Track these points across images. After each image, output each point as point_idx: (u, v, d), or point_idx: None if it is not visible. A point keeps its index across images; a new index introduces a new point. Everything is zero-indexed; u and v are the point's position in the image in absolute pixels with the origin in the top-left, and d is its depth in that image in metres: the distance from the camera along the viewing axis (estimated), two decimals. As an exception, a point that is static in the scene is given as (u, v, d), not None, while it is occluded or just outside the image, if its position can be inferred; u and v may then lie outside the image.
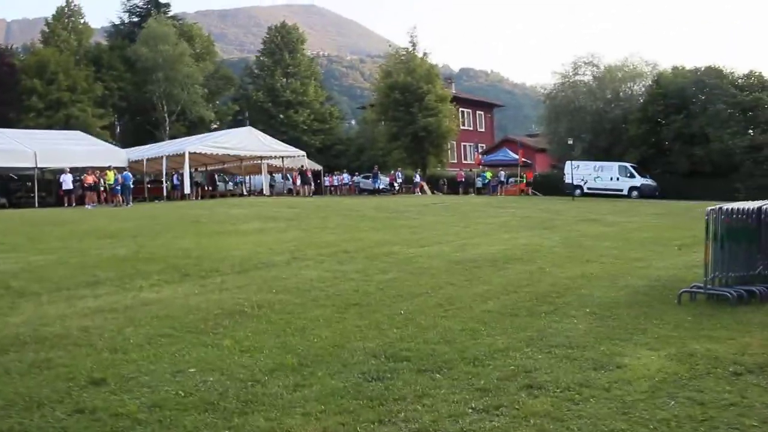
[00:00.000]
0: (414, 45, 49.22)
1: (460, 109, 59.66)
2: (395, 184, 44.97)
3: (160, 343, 6.07)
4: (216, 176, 46.08)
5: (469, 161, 64.29)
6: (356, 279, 9.75)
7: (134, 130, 55.60)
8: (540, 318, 7.14)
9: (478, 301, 8.06)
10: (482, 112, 71.34)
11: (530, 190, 42.44)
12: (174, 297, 8.37)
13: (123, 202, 29.24)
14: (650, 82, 43.21)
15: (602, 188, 39.67)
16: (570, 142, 38.99)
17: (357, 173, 50.39)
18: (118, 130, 56.95)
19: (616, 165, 40.03)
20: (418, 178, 45.00)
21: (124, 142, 48.54)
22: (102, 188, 30.20)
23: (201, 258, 11.77)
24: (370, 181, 46.52)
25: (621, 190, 39.01)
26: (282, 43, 62.99)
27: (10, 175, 35.92)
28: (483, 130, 70.52)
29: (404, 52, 49.53)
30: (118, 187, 29.19)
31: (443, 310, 7.54)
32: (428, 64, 49.10)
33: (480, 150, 62.68)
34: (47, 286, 9.03)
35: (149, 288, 9.06)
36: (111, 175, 29.53)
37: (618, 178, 39.64)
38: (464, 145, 65.39)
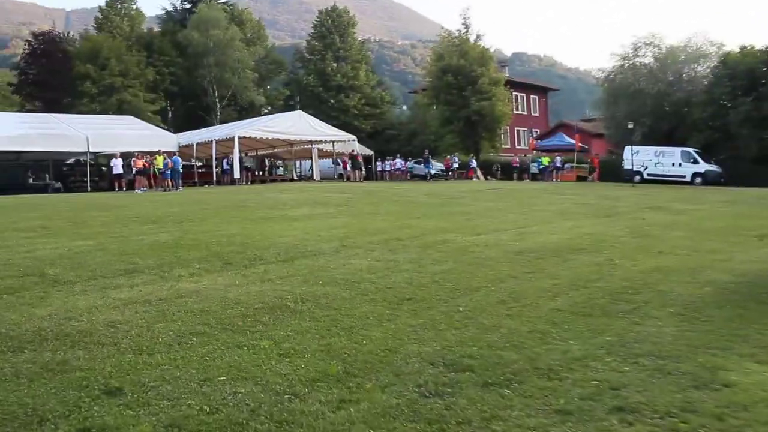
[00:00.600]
0: (467, 27, 48.11)
1: (514, 93, 58.07)
2: (451, 170, 43.83)
3: (190, 344, 5.43)
4: (266, 161, 45.88)
5: (522, 146, 62.89)
6: (409, 270, 8.99)
7: (185, 115, 55.77)
8: (617, 319, 6.29)
9: (544, 298, 7.23)
10: (536, 97, 69.66)
11: (596, 177, 40.20)
12: (213, 288, 7.75)
13: (172, 186, 29.06)
14: (716, 63, 41.09)
15: (663, 174, 38.03)
16: (630, 126, 37.28)
17: (410, 158, 49.30)
18: (171, 115, 57.26)
19: (678, 150, 38.28)
20: (473, 163, 43.87)
21: (176, 127, 48.62)
22: (152, 173, 30.02)
23: (245, 245, 11.19)
24: (422, 166, 45.48)
25: (684, 177, 37.29)
26: (332, 26, 62.34)
27: (66, 161, 36.25)
28: (537, 114, 68.89)
29: (457, 35, 48.38)
30: (168, 172, 29.00)
31: (506, 308, 6.74)
32: (481, 46, 47.94)
33: (534, 135, 61.18)
34: (83, 274, 8.53)
35: (188, 277, 8.49)
36: (160, 160, 29.35)
37: (680, 164, 37.89)
38: (518, 130, 63.94)
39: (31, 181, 31.72)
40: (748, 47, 40.54)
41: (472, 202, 21.37)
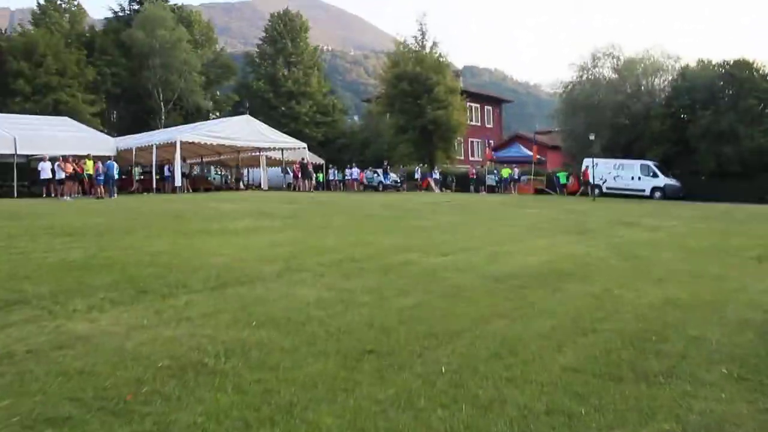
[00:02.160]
0: (423, 34, 46.58)
1: (468, 103, 56.91)
2: (433, 184, 42.03)
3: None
4: (213, 168, 43.62)
5: (476, 158, 61.80)
6: (369, 304, 7.21)
7: (129, 118, 53.05)
8: (660, 386, 4.59)
9: (548, 349, 5.51)
10: (490, 108, 68.70)
11: (592, 190, 36.85)
12: (110, 332, 5.84)
13: (106, 193, 26.73)
14: (674, 76, 40.48)
15: (622, 188, 37.10)
16: (592, 137, 36.16)
17: (370, 168, 47.03)
18: (115, 117, 54.41)
19: (638, 163, 37.37)
20: (437, 174, 42.30)
21: (119, 131, 45.94)
22: (84, 178, 27.54)
23: (170, 266, 9.30)
24: (380, 176, 43.53)
25: (643, 191, 36.36)
26: (284, 30, 60.37)
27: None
28: (491, 126, 67.91)
29: (413, 41, 46.84)
30: (101, 178, 26.62)
31: (503, 366, 4.99)
32: (437, 54, 46.51)
33: (489, 145, 60.13)
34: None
35: (85, 313, 6.55)
36: (90, 164, 26.92)
37: (640, 178, 36.96)
38: (472, 141, 62.79)
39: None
40: (705, 61, 40.08)
41: (431, 216, 19.71)
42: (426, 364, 5.01)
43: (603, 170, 37.21)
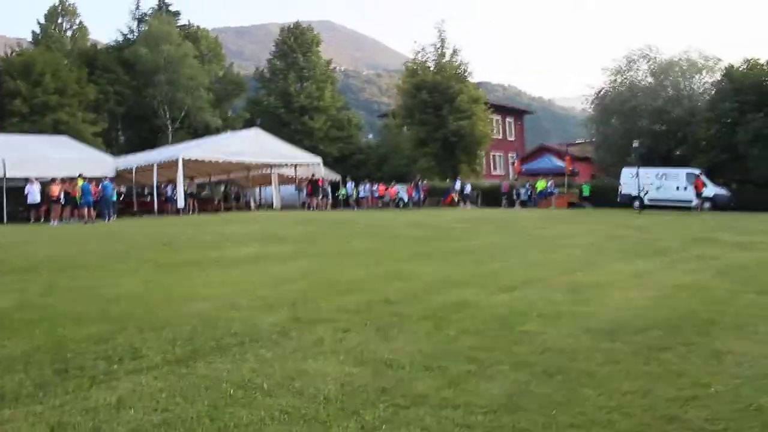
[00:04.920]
0: (442, 41, 43.80)
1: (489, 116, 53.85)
2: (457, 199, 38.86)
3: None
4: (224, 187, 40.80)
5: (498, 172, 58.84)
6: (429, 400, 4.20)
7: (135, 138, 50.55)
8: None
9: None
10: (511, 120, 65.75)
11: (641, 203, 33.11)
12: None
13: (99, 217, 24.00)
14: (717, 78, 37.25)
15: (667, 199, 33.90)
16: (636, 144, 32.81)
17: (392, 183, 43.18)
18: (122, 138, 51.87)
19: (683, 172, 34.15)
20: (468, 188, 38.95)
21: (127, 153, 43.28)
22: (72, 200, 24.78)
23: (127, 319, 6.46)
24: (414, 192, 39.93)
25: (689, 201, 33.05)
26: (295, 44, 57.68)
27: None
28: (513, 138, 64.90)
29: (432, 49, 44.01)
30: (89, 199, 23.84)
31: None
32: (458, 62, 43.70)
33: (513, 159, 57.11)
34: None
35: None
36: (79, 185, 24.15)
37: (686, 188, 33.71)
38: (494, 155, 59.75)
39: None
40: (752, 60, 36.86)
41: (469, 236, 16.70)
42: None
43: (644, 180, 33.97)
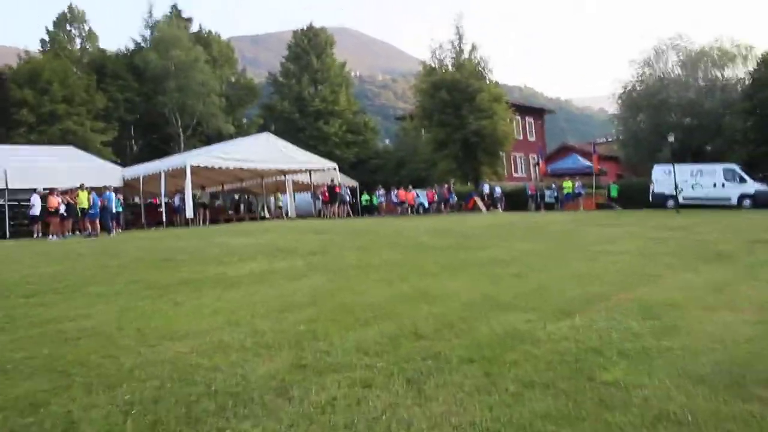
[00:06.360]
0: (460, 37, 42.09)
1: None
2: (479, 203, 37.14)
3: None
4: (236, 196, 39.36)
5: (519, 174, 57.00)
6: None
7: (147, 147, 49.31)
8: None
9: None
10: (531, 120, 63.82)
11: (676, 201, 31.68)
12: None
13: (105, 230, 22.64)
14: (755, 66, 35.22)
15: (703, 197, 31.89)
16: (671, 138, 30.73)
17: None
18: (135, 148, 50.57)
19: (720, 168, 32.05)
20: (498, 191, 37.24)
21: (139, 162, 42.07)
22: (74, 212, 23.42)
23: (75, 369, 4.94)
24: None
25: (728, 199, 31.08)
26: (309, 46, 56.24)
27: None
28: (533, 139, 62.93)
29: (450, 46, 42.30)
30: (94, 212, 22.48)
31: None
32: (477, 59, 41.94)
33: (535, 159, 55.17)
34: None
35: None
36: (83, 196, 22.77)
37: (724, 184, 31.67)
38: (515, 156, 57.86)
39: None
40: (790, 47, 34.94)
41: (499, 243, 15.01)
42: None
43: (678, 177, 32.02)
